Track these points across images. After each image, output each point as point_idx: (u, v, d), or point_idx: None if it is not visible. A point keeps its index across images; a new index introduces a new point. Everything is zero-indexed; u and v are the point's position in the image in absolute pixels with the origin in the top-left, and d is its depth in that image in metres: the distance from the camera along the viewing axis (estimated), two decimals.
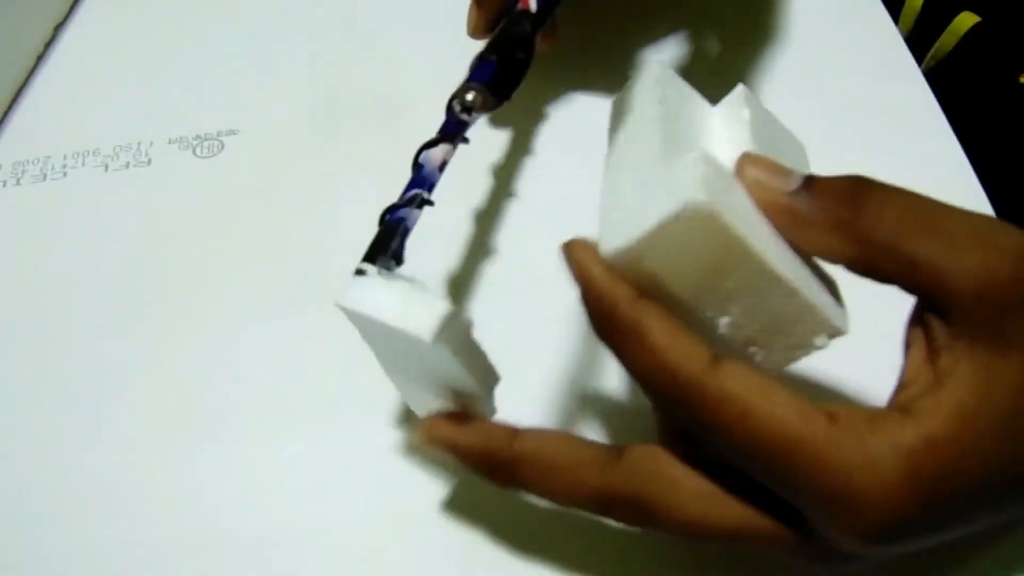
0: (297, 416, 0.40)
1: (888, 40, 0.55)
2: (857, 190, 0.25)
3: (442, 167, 0.32)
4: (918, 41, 0.76)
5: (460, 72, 0.50)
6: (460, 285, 0.42)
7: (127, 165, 0.47)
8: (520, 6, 0.26)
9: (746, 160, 0.27)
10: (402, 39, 0.53)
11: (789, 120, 0.50)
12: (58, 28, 0.52)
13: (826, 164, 0.48)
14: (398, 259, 0.29)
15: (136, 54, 0.51)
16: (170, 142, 0.48)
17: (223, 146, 0.48)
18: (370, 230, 0.45)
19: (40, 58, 0.51)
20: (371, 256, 0.30)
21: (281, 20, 0.53)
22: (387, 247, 0.29)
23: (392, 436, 0.38)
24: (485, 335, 0.29)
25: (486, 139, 0.47)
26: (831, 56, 0.53)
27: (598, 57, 0.50)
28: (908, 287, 0.25)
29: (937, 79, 0.75)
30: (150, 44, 0.52)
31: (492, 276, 0.42)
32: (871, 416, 0.24)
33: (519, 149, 0.47)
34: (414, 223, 0.31)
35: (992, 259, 0.23)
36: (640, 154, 0.27)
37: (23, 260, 0.44)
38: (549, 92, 0.49)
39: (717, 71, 0.51)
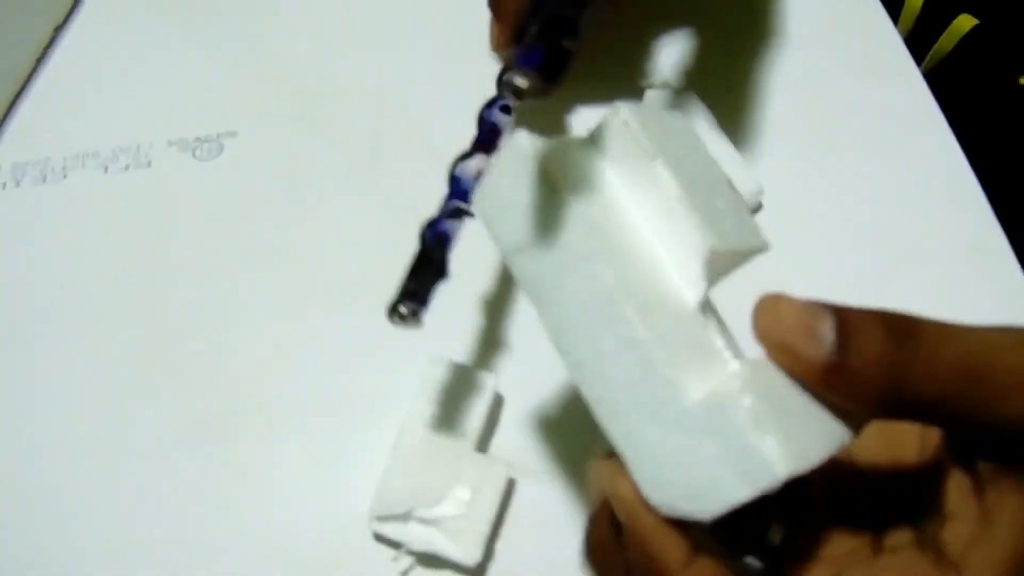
0: (298, 417, 0.40)
1: (887, 41, 0.54)
2: (902, 352, 0.22)
3: (478, 177, 0.33)
4: (917, 43, 0.76)
5: (456, 62, 0.50)
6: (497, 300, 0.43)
7: (127, 167, 0.47)
8: None
9: (765, 316, 0.23)
10: (396, 31, 0.53)
11: (789, 121, 0.50)
12: (58, 30, 0.52)
13: (825, 164, 0.49)
14: (442, 272, 0.29)
15: (135, 56, 0.51)
16: (170, 144, 0.48)
17: (223, 148, 0.48)
18: (367, 230, 0.45)
19: (40, 60, 0.50)
20: (413, 279, 0.30)
21: (279, 22, 0.53)
22: (428, 270, 0.29)
23: (393, 436, 0.38)
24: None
25: None
26: (831, 57, 0.53)
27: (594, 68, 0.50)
28: (948, 428, 0.24)
29: (936, 80, 0.75)
30: (149, 46, 0.52)
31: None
32: None
33: None
34: (456, 235, 0.31)
35: None
36: (616, 341, 0.24)
37: (23, 262, 0.44)
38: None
39: (717, 72, 0.51)
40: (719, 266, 0.25)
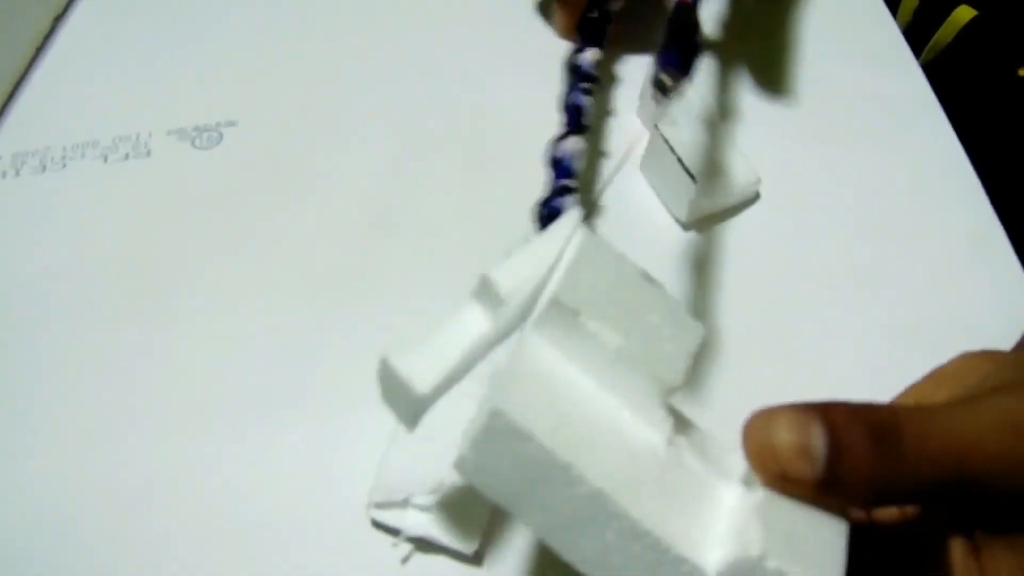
0: (299, 406, 0.40)
1: (885, 32, 0.55)
2: (889, 457, 0.23)
3: (575, 156, 0.36)
4: (916, 34, 0.76)
5: (455, 50, 0.50)
6: None
7: (126, 156, 0.47)
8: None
9: (755, 438, 0.23)
10: (396, 18, 0.53)
11: (787, 111, 0.50)
12: (57, 20, 0.52)
13: (824, 156, 0.49)
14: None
15: (134, 45, 0.51)
16: (169, 133, 0.48)
17: (222, 137, 0.48)
18: (367, 219, 0.45)
19: (39, 50, 0.51)
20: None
21: (278, 10, 0.53)
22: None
23: (392, 425, 0.38)
24: None
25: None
26: (829, 48, 0.53)
27: None
28: (936, 508, 0.25)
29: (935, 72, 0.75)
30: (148, 35, 0.52)
31: None
32: None
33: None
34: (567, 210, 0.33)
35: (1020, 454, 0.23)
36: (619, 535, 0.23)
37: (23, 251, 0.44)
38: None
39: (717, 63, 0.51)
40: (686, 379, 0.25)
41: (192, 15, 0.53)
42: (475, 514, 0.36)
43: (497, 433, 0.23)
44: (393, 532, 0.36)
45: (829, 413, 0.23)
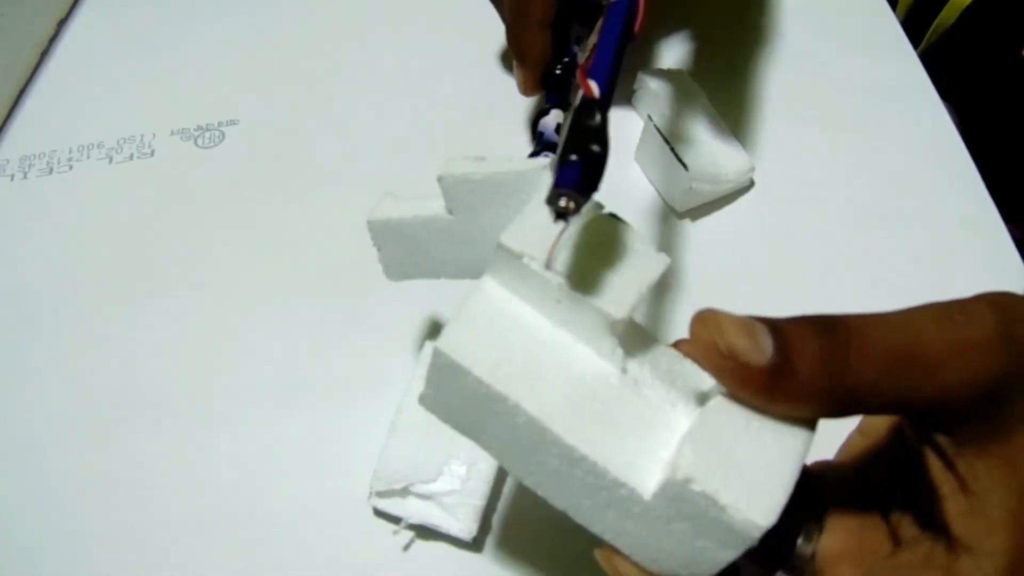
0: (300, 399, 0.41)
1: (880, 18, 0.55)
2: (835, 345, 0.23)
3: (558, 129, 0.37)
4: (919, 17, 0.76)
5: (460, 50, 0.51)
6: None
7: (131, 157, 0.48)
8: (583, 93, 0.26)
9: (705, 327, 0.23)
10: (397, 19, 0.54)
11: (782, 98, 0.50)
12: (61, 23, 0.53)
13: (819, 143, 0.49)
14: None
15: (138, 47, 0.52)
16: (172, 133, 0.49)
17: (224, 136, 0.49)
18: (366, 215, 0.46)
19: (44, 54, 0.52)
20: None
21: (278, 12, 0.54)
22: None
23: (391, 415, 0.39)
24: None
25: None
26: (823, 34, 0.53)
27: None
28: (894, 414, 0.25)
29: (938, 55, 0.75)
30: (151, 37, 0.53)
31: None
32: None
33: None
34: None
35: (973, 362, 0.22)
36: (561, 461, 0.24)
37: (33, 251, 0.46)
38: None
39: (710, 52, 0.52)
40: (632, 312, 0.25)
41: (194, 17, 0.54)
42: (473, 500, 0.37)
43: (441, 370, 0.25)
44: (394, 520, 0.37)
45: (769, 319, 0.23)
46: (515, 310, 0.26)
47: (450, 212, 0.30)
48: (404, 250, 0.33)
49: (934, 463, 0.24)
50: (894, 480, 0.28)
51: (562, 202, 0.23)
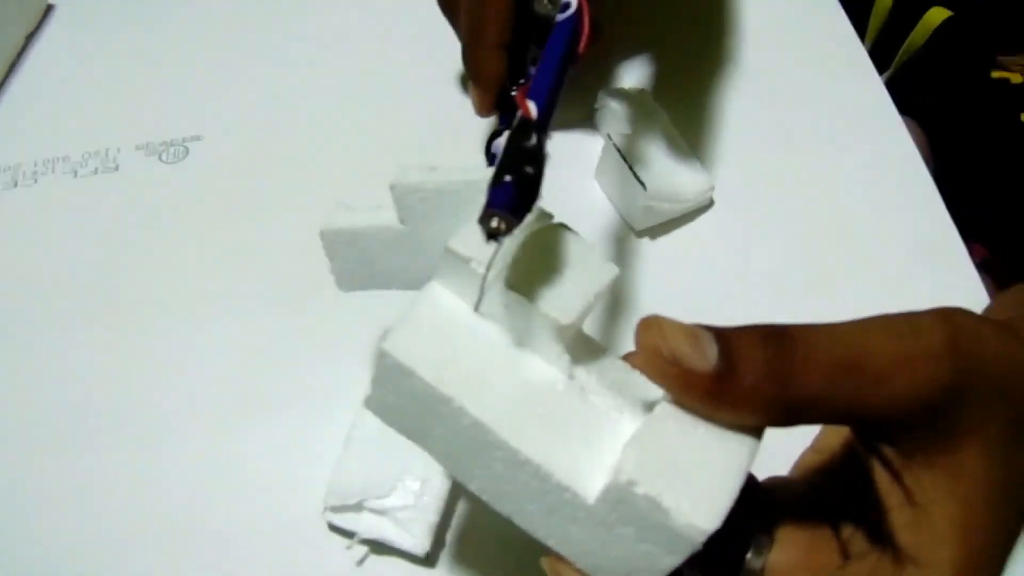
0: (257, 414, 0.41)
1: (842, 38, 0.55)
2: (780, 354, 0.23)
3: None
4: (890, 36, 0.76)
5: (424, 68, 0.51)
6: None
7: (96, 171, 0.49)
8: (521, 114, 0.26)
9: (649, 333, 0.23)
10: (362, 37, 0.54)
11: (743, 117, 0.51)
12: (29, 37, 0.53)
13: (779, 162, 0.49)
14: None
15: (104, 63, 0.53)
16: (137, 148, 0.49)
17: (188, 151, 0.49)
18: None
19: (11, 68, 0.52)
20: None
21: (243, 29, 0.54)
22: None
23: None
24: None
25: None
26: (785, 53, 0.54)
27: None
28: (840, 424, 0.25)
29: (909, 75, 0.76)
30: (118, 53, 0.53)
31: None
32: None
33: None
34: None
35: (920, 373, 0.22)
36: (505, 465, 0.24)
37: None
38: None
39: (671, 70, 0.52)
40: (579, 319, 0.26)
41: (160, 34, 0.54)
42: (426, 516, 0.37)
43: (387, 371, 0.25)
44: (348, 535, 0.37)
45: (715, 327, 0.23)
46: (462, 315, 0.26)
47: (402, 222, 0.30)
48: (356, 260, 0.33)
49: (881, 475, 0.25)
50: (846, 495, 0.28)
51: (493, 223, 0.23)
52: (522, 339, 0.26)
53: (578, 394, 0.25)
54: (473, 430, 0.24)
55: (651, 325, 0.23)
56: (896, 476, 0.24)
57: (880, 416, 0.23)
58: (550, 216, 0.27)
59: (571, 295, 0.25)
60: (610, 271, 0.26)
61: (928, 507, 0.23)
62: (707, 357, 0.22)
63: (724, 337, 0.23)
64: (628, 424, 0.25)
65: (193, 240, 0.46)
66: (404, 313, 0.25)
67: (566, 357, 0.25)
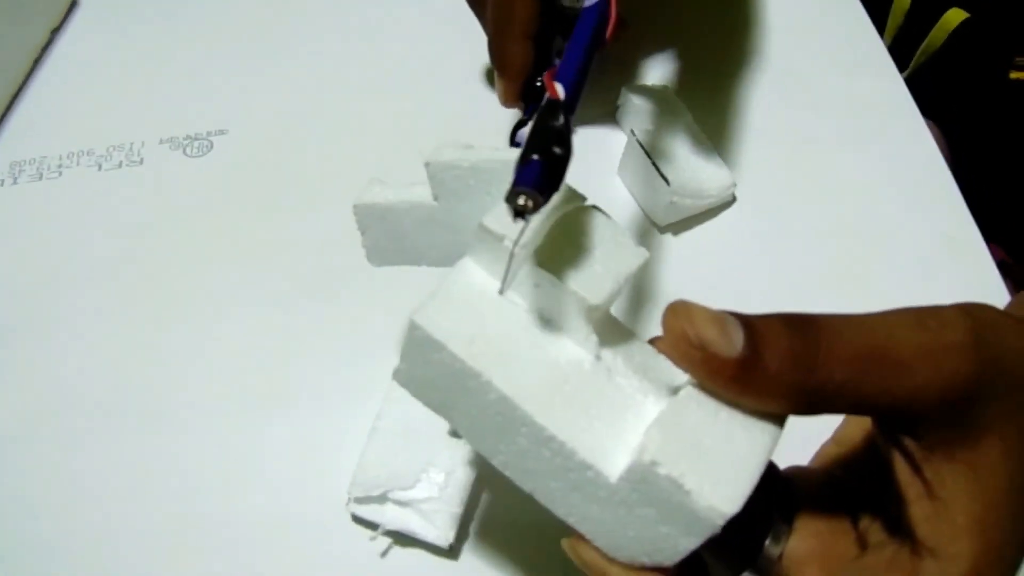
0: (283, 405, 0.41)
1: (863, 36, 0.55)
2: (806, 343, 0.23)
3: None
4: (907, 37, 0.76)
5: (445, 59, 0.51)
6: None
7: (120, 164, 0.49)
8: (549, 95, 0.26)
9: (677, 318, 0.23)
10: (386, 31, 0.54)
11: (765, 114, 0.51)
12: (54, 32, 0.53)
13: (801, 159, 0.49)
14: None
15: (129, 57, 0.53)
16: (161, 142, 0.49)
17: (212, 146, 0.49)
18: (353, 224, 0.46)
19: (37, 62, 0.52)
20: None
21: (267, 23, 0.55)
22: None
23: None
24: None
25: None
26: (807, 51, 0.54)
27: None
28: (863, 414, 0.25)
29: (926, 75, 0.76)
30: (142, 47, 0.53)
31: None
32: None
33: None
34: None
35: (944, 366, 0.23)
36: (529, 440, 0.25)
37: (20, 257, 0.46)
38: None
39: (694, 68, 0.52)
40: (609, 301, 0.26)
41: (183, 28, 0.54)
42: (450, 508, 0.37)
43: (417, 343, 0.25)
44: (372, 526, 0.37)
45: (742, 314, 0.23)
46: (493, 291, 0.26)
47: (435, 198, 0.30)
48: (388, 235, 0.33)
49: (901, 467, 0.25)
50: (864, 487, 0.28)
51: (520, 200, 0.23)
52: (551, 318, 0.26)
53: (604, 374, 0.25)
54: (499, 405, 0.24)
55: (679, 310, 0.23)
56: (916, 469, 0.24)
57: (903, 407, 0.23)
58: (583, 198, 0.27)
59: (601, 276, 0.25)
60: (640, 255, 0.26)
61: (947, 501, 0.24)
62: (733, 343, 0.22)
63: (750, 324, 0.23)
64: (652, 407, 0.25)
65: (217, 234, 0.46)
66: (436, 287, 0.25)
67: (594, 338, 0.25)
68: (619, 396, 0.25)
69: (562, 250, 0.26)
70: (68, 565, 0.37)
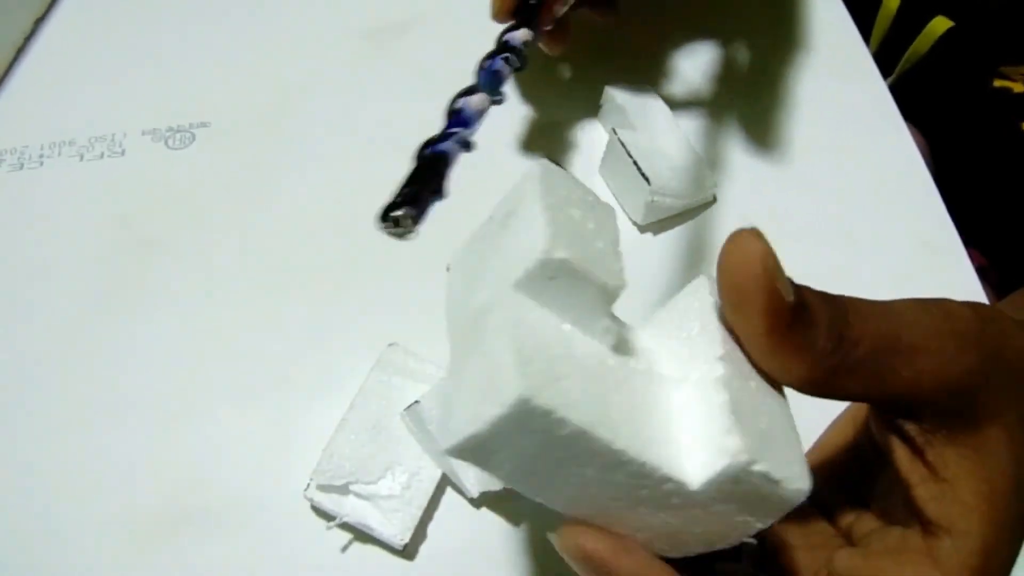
0: (259, 397, 0.41)
1: (847, 41, 0.56)
2: (837, 314, 0.23)
3: (480, 115, 0.33)
4: (893, 44, 0.77)
5: (424, 54, 0.51)
6: None
7: (102, 155, 0.49)
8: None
9: (756, 235, 0.23)
10: (367, 26, 0.54)
11: (747, 117, 0.51)
12: (38, 22, 0.53)
13: (783, 161, 0.50)
14: (439, 191, 0.27)
15: (112, 48, 0.53)
16: (143, 134, 0.49)
17: (194, 138, 0.49)
18: (335, 219, 0.46)
19: (20, 51, 0.52)
20: (411, 185, 0.27)
21: (250, 16, 0.55)
22: (427, 180, 0.27)
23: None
24: None
25: None
26: (792, 58, 0.54)
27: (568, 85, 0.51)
28: (867, 399, 0.25)
29: (911, 82, 0.77)
30: (126, 39, 0.53)
31: None
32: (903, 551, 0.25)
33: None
34: (456, 160, 0.29)
35: (949, 351, 0.23)
36: (599, 469, 0.22)
37: (0, 246, 0.46)
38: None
39: (677, 68, 0.52)
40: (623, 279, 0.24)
41: (167, 20, 0.54)
42: (410, 509, 0.37)
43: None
44: (329, 517, 0.37)
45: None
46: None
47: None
48: None
49: (902, 453, 0.25)
50: (845, 485, 0.29)
51: (401, 218, 0.24)
52: (569, 316, 0.23)
53: (625, 367, 0.23)
54: (570, 439, 0.21)
55: (760, 234, 0.23)
56: (919, 452, 0.25)
57: (910, 390, 0.23)
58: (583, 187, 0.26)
59: (606, 254, 0.24)
60: (610, 212, 0.25)
61: (953, 482, 0.24)
62: (789, 289, 0.23)
63: (795, 284, 0.23)
64: (668, 389, 0.24)
65: (198, 226, 0.46)
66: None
67: (615, 328, 0.24)
68: (640, 387, 0.23)
69: (567, 237, 0.23)
70: (21, 559, 0.37)
